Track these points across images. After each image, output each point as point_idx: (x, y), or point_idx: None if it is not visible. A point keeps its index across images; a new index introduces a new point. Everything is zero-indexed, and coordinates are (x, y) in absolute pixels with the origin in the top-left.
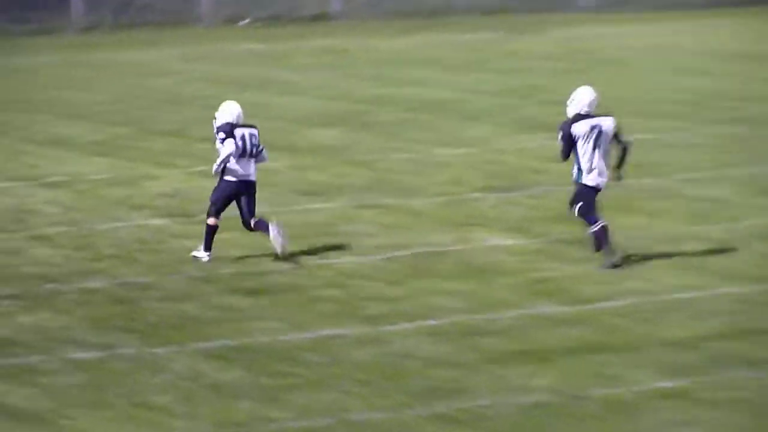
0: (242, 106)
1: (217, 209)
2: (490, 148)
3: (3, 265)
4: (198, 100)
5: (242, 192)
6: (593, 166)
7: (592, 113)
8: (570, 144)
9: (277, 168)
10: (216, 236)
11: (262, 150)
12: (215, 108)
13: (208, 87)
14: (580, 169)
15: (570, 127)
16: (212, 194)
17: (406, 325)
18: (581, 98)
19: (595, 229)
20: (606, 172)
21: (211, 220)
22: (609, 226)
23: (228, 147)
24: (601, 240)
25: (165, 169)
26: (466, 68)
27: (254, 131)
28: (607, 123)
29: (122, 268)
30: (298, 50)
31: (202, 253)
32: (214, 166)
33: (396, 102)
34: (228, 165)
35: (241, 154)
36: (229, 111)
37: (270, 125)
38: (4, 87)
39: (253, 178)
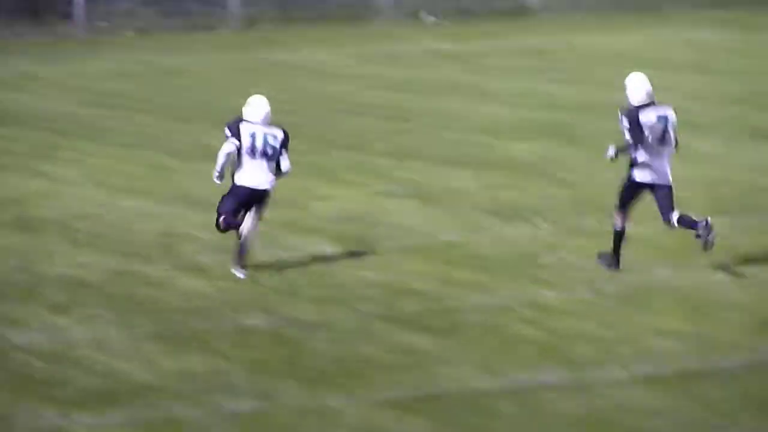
0: (426, 116)
1: (226, 219)
2: (717, 165)
3: (146, 299)
4: (379, 109)
5: (252, 201)
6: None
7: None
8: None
9: (467, 186)
10: (396, 265)
11: (279, 156)
12: (399, 118)
13: (390, 94)
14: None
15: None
16: (219, 203)
17: (619, 372)
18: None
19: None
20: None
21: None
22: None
23: (225, 147)
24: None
25: (339, 187)
26: (687, 70)
27: (276, 132)
28: (671, 113)
29: (286, 304)
30: (491, 50)
31: (239, 270)
32: (214, 171)
33: (605, 110)
34: (237, 167)
35: (251, 154)
36: (252, 106)
37: (458, 137)
38: (149, 89)
39: (264, 186)
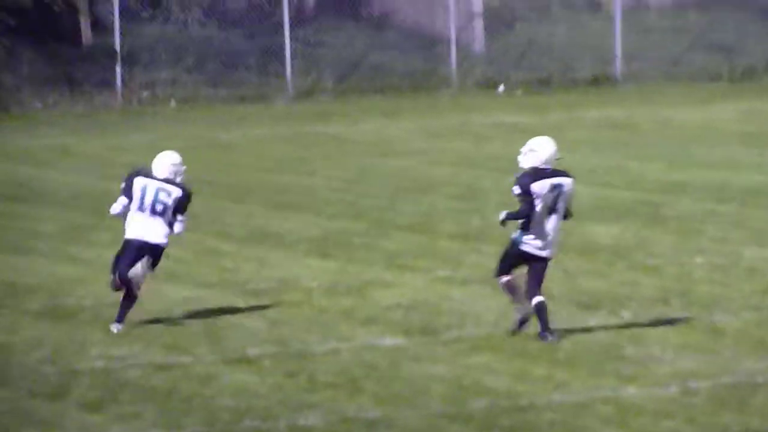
0: (497, 194)
1: (118, 271)
2: None
3: (192, 396)
4: (446, 186)
5: (144, 254)
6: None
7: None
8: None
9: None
10: (464, 358)
11: (175, 214)
12: (464, 197)
13: (459, 170)
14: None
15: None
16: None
17: None
18: (542, 150)
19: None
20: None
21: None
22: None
23: (113, 206)
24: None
25: (401, 273)
26: None
27: (171, 189)
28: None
29: (344, 401)
30: (570, 123)
31: (115, 325)
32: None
33: (696, 190)
34: (128, 221)
35: (140, 209)
36: (156, 160)
37: None
38: (195, 165)
39: (155, 240)
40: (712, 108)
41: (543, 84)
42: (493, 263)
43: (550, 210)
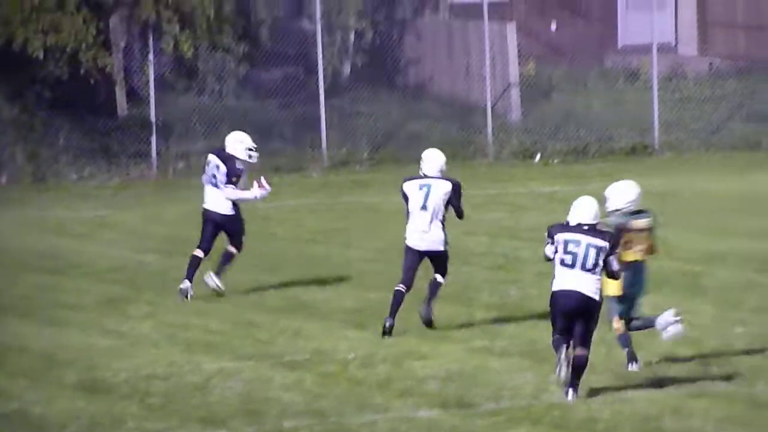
0: (534, 264)
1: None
2: None
3: None
4: (483, 257)
5: (209, 222)
6: None
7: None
8: None
9: None
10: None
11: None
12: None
13: (496, 240)
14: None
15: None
16: None
17: None
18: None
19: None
20: None
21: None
22: None
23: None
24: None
25: (438, 343)
26: None
27: (213, 158)
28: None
29: None
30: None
31: (185, 283)
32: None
33: (736, 259)
34: None
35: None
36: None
37: None
38: None
39: (210, 207)
40: (751, 177)
41: (580, 154)
42: (531, 334)
43: (422, 208)
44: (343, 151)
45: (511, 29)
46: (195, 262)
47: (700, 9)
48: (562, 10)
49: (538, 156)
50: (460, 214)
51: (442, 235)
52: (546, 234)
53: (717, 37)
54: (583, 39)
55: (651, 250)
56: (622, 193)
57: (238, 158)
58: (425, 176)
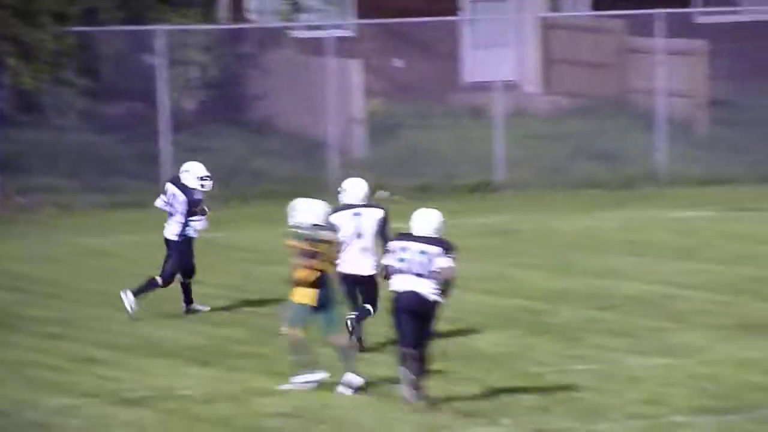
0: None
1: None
2: (701, 359)
3: None
4: None
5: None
6: None
7: None
8: None
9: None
10: None
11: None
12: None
13: None
14: None
15: None
16: None
17: None
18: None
19: None
20: None
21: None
22: None
23: None
24: None
25: (284, 380)
26: (673, 255)
27: (170, 186)
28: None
29: None
30: (452, 229)
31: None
32: None
33: (578, 297)
34: None
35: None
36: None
37: None
38: (72, 273)
39: (166, 234)
40: (594, 216)
41: (424, 190)
42: (375, 371)
43: (356, 236)
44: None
45: (356, 66)
46: (185, 288)
47: (543, 47)
48: (408, 47)
49: (383, 192)
50: (388, 240)
51: (372, 261)
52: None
53: (561, 75)
54: (428, 76)
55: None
56: (308, 212)
57: (191, 188)
58: (351, 206)
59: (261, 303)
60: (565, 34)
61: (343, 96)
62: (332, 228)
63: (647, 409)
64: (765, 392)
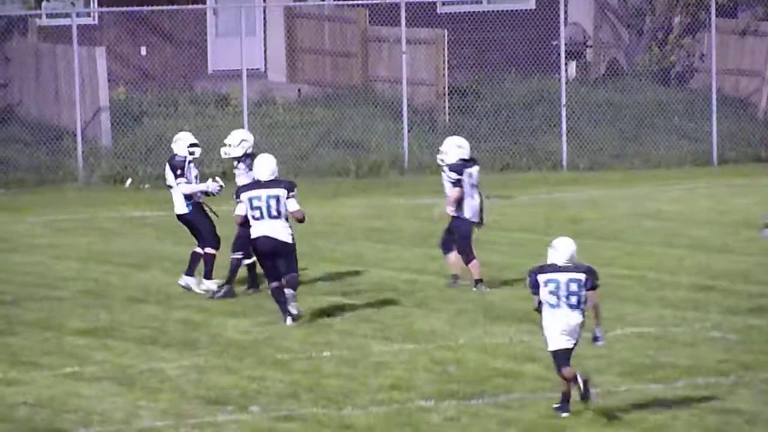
0: (129, 289)
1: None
2: (445, 344)
3: None
4: (74, 282)
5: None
6: None
7: None
8: None
9: (168, 369)
10: None
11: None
12: (92, 292)
13: (87, 265)
14: None
15: None
16: None
17: None
18: None
19: None
20: None
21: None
22: None
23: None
24: None
25: (28, 370)
26: (417, 241)
27: (166, 165)
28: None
29: None
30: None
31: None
32: None
33: (324, 284)
34: None
35: None
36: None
37: (179, 315)
38: None
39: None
40: (339, 203)
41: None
42: (121, 360)
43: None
44: None
45: (100, 53)
46: (194, 257)
47: (288, 36)
48: (153, 35)
49: (129, 181)
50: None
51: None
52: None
53: (305, 64)
54: (173, 64)
55: None
56: None
57: (181, 156)
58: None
59: (4, 292)
60: (309, 23)
61: (88, 84)
62: None
63: (394, 395)
64: (508, 377)
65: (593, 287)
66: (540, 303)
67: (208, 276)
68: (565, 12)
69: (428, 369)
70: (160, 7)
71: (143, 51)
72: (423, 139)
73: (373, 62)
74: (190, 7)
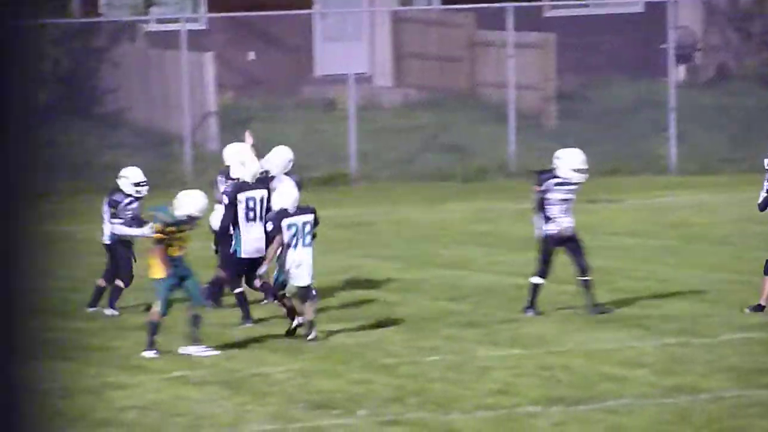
0: None
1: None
2: (551, 350)
3: None
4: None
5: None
6: None
7: None
8: None
9: (275, 373)
10: None
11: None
12: None
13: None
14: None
15: None
16: None
17: None
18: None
19: None
20: None
21: None
22: None
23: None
24: None
25: (137, 374)
26: (524, 246)
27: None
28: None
29: None
30: None
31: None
32: None
33: (431, 288)
34: None
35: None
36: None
37: (269, 327)
38: None
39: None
40: (445, 207)
41: None
42: (228, 364)
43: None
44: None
45: (208, 59)
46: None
47: (394, 40)
48: (260, 40)
49: None
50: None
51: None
52: None
53: (411, 68)
54: (280, 69)
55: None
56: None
57: (124, 193)
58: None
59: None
60: (416, 27)
61: (197, 89)
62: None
63: (500, 400)
64: (615, 382)
65: None
66: None
67: (112, 305)
68: (674, 15)
69: (535, 374)
70: (267, 13)
71: (251, 56)
72: (529, 143)
73: (479, 66)
74: (297, 12)
